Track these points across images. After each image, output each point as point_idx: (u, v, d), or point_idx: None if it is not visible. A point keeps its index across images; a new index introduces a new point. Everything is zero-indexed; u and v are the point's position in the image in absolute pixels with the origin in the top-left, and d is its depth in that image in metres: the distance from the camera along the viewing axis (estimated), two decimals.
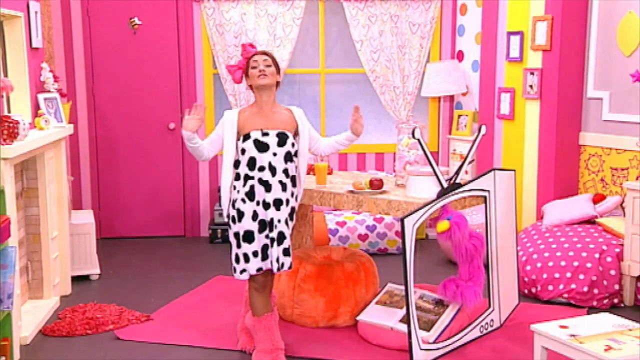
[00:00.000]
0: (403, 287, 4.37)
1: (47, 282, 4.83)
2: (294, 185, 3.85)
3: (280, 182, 3.76)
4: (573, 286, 4.79)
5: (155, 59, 6.60)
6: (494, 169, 4.18)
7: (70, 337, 4.32)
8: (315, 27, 6.80)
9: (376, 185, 4.05)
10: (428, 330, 3.96)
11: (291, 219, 3.84)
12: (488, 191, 4.14)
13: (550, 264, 4.88)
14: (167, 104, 6.67)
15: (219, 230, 6.54)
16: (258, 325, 3.88)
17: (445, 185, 3.84)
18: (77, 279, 5.37)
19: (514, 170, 4.38)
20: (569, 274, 4.80)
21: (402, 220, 3.60)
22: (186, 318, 4.62)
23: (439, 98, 6.86)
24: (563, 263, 4.85)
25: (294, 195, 3.87)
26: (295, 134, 3.87)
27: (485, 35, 6.13)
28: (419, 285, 4.39)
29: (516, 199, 4.40)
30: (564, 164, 5.53)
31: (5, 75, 4.54)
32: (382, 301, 4.31)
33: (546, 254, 4.94)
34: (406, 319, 3.71)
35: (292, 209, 3.84)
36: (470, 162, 4.03)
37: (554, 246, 4.97)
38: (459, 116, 6.60)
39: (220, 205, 6.52)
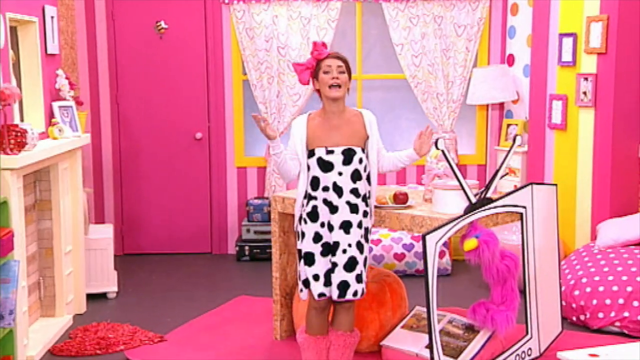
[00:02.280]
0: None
1: (60, 300, 5.03)
2: (367, 204, 3.87)
3: (349, 202, 3.79)
4: (626, 314, 4.73)
5: (182, 65, 6.81)
6: (531, 183, 4.19)
7: (79, 357, 4.49)
8: (352, 29, 6.90)
9: (401, 199, 4.11)
10: (456, 358, 3.98)
11: (367, 241, 3.87)
12: (525, 207, 4.15)
13: (601, 288, 4.84)
14: (194, 113, 6.86)
15: (247, 248, 6.67)
16: (309, 343, 3.93)
17: (473, 200, 3.87)
18: (93, 297, 5.57)
19: (556, 185, 4.37)
20: (621, 301, 4.75)
21: (423, 237, 3.65)
22: (202, 340, 4.75)
23: (487, 106, 6.86)
24: (615, 288, 4.79)
25: (368, 215, 3.89)
26: (365, 145, 3.87)
27: (536, 37, 6.12)
28: (449, 309, 4.43)
29: (558, 216, 4.39)
30: (622, 178, 5.46)
31: (19, 83, 4.77)
32: (409, 325, 4.36)
33: (597, 278, 4.90)
34: (429, 345, 3.75)
35: (366, 230, 3.86)
36: (503, 176, 4.05)
37: (605, 269, 4.92)
38: (508, 126, 6.59)
39: (248, 221, 6.71)
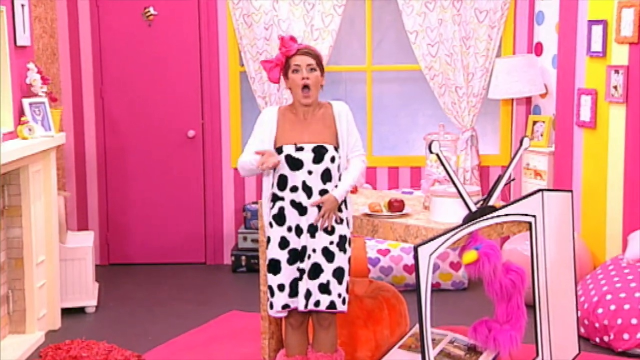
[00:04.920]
0: (434, 329, 4.51)
1: (31, 315, 5.20)
2: (339, 209, 4.02)
3: (318, 205, 3.96)
4: None
5: (173, 55, 6.97)
6: (541, 190, 4.26)
7: None
8: (362, 15, 7.00)
9: (396, 207, 4.20)
10: None
11: (342, 250, 3.99)
12: (534, 216, 4.22)
13: (627, 306, 4.90)
14: (186, 108, 7.02)
15: (243, 257, 6.82)
16: None
17: (473, 208, 3.96)
18: (69, 312, 5.74)
19: (571, 192, 4.44)
20: None
21: (415, 249, 3.75)
22: None
23: (512, 101, 6.93)
24: None
25: (344, 221, 4.03)
26: (337, 141, 4.02)
27: (564, 25, 6.19)
28: (454, 328, 4.52)
29: (574, 226, 4.46)
30: None
31: None
32: (407, 345, 4.47)
33: (622, 295, 4.96)
34: None
35: (341, 237, 3.99)
36: (507, 183, 4.13)
37: (633, 285, 4.98)
38: (534, 123, 6.66)
39: (245, 228, 6.84)
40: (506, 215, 4.11)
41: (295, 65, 3.98)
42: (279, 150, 3.98)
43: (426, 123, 7.19)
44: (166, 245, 7.13)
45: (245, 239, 6.83)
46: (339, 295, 3.97)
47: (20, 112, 5.20)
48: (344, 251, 4.00)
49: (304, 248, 3.96)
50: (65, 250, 5.74)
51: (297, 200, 3.96)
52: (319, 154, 3.96)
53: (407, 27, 6.79)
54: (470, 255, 3.91)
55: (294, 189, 3.96)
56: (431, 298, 3.85)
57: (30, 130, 5.04)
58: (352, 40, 7.08)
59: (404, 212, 4.22)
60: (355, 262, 6.10)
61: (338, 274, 3.97)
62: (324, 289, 3.94)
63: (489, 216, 4.01)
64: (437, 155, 3.90)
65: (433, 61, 6.80)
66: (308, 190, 3.95)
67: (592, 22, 5.83)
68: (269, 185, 4.04)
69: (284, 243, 3.97)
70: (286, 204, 3.97)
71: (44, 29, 6.42)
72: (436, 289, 6.22)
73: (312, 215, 3.96)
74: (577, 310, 4.56)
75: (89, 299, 5.84)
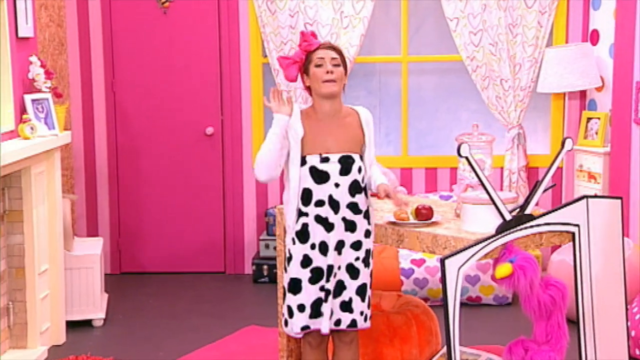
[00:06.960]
0: (467, 349, 4.57)
1: (33, 328, 5.33)
2: (369, 222, 4.10)
3: (345, 219, 4.01)
4: None
5: (191, 46, 7.09)
6: (586, 197, 4.28)
7: None
8: (396, 1, 7.05)
9: (424, 214, 4.26)
10: None
11: (367, 265, 4.07)
12: (577, 226, 4.25)
13: None
14: (204, 103, 7.14)
15: (265, 267, 6.92)
16: None
17: (508, 217, 4.00)
18: (75, 325, 5.88)
19: (621, 198, 4.45)
20: None
21: (442, 262, 3.80)
22: None
23: (564, 95, 6.93)
24: None
25: (370, 235, 4.11)
26: (362, 150, 4.09)
27: (622, 10, 6.18)
28: (487, 347, 4.56)
29: (624, 236, 4.48)
30: None
31: None
32: None
33: None
34: None
35: (367, 252, 4.08)
36: (547, 189, 4.16)
37: None
38: (589, 119, 6.66)
39: (267, 234, 6.94)
40: (545, 224, 4.13)
41: (318, 58, 4.01)
42: (303, 162, 4.00)
43: (469, 119, 7.20)
44: (182, 253, 7.26)
45: (267, 246, 6.93)
46: (361, 313, 4.04)
47: (21, 110, 5.34)
48: (368, 266, 4.08)
49: (331, 267, 4.01)
50: (71, 258, 5.88)
51: (323, 216, 3.98)
52: (345, 164, 3.98)
53: (447, 14, 6.84)
54: (504, 269, 3.94)
55: (319, 204, 3.99)
56: (461, 314, 3.88)
57: (32, 129, 5.18)
58: (386, 28, 7.15)
59: (433, 220, 4.28)
60: (387, 274, 6.19)
61: (361, 290, 4.04)
62: (346, 307, 4.01)
63: (525, 225, 4.05)
64: (467, 159, 3.94)
65: (475, 51, 6.84)
66: (335, 205, 3.98)
67: None
68: (290, 198, 4.03)
69: (306, 261, 4.01)
70: (310, 220, 4.00)
71: (50, 18, 6.57)
72: (476, 303, 6.29)
73: (339, 231, 4.00)
74: (627, 329, 4.57)
75: (96, 311, 5.98)
